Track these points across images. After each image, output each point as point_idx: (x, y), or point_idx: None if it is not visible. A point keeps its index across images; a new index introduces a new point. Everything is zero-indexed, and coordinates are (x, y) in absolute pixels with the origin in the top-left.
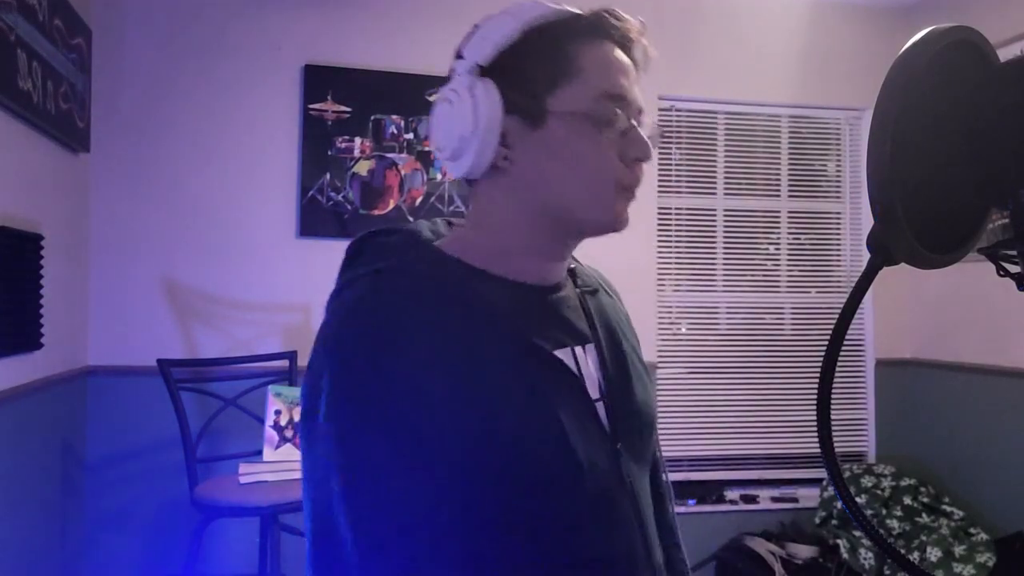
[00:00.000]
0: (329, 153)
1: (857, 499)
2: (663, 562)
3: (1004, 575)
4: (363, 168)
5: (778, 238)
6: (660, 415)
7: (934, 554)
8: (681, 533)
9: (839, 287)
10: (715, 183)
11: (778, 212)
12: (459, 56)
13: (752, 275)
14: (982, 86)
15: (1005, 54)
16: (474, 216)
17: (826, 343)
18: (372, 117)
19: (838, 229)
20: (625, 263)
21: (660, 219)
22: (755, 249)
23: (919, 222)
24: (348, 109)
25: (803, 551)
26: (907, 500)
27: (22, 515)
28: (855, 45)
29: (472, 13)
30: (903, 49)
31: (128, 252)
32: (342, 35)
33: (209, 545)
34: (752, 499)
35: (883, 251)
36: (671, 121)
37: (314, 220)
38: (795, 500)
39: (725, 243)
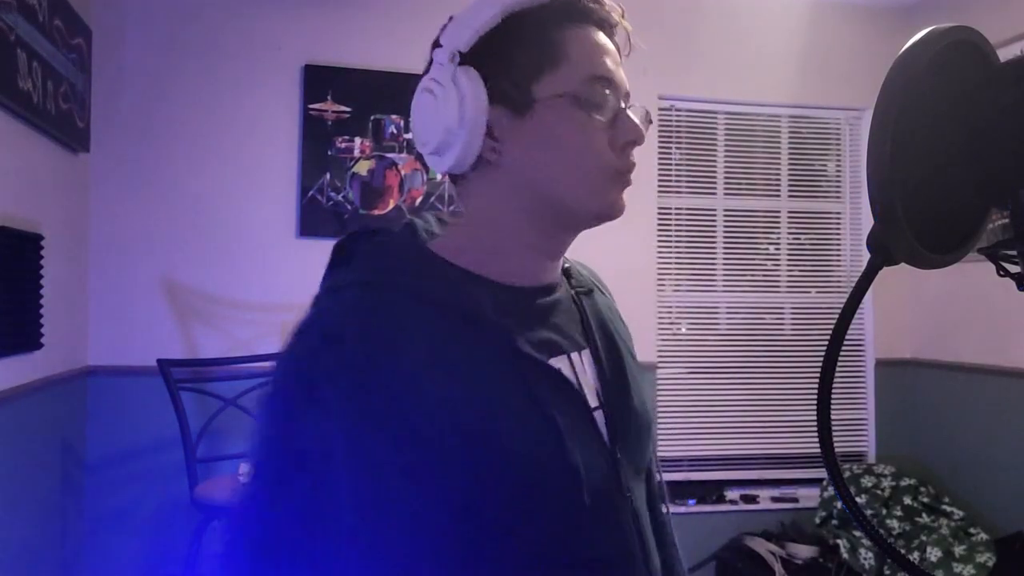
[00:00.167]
0: (329, 153)
1: (857, 499)
2: (660, 565)
3: (1004, 575)
4: (363, 168)
5: (778, 238)
6: (660, 415)
7: (934, 554)
8: (678, 534)
9: (839, 287)
10: (715, 183)
11: (778, 212)
12: (437, 45)
13: (752, 275)
14: (982, 86)
15: (1005, 54)
16: (464, 214)
17: (826, 343)
18: (372, 117)
19: (838, 229)
20: (625, 263)
21: (660, 219)
22: (755, 249)
23: (919, 222)
24: (348, 109)
25: (803, 551)
26: (907, 500)
27: (22, 515)
28: (855, 45)
29: None
30: (903, 49)
31: (128, 252)
32: (342, 35)
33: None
34: (752, 499)
35: (883, 251)
36: (671, 121)
37: (314, 220)
38: (795, 500)
39: (725, 243)
